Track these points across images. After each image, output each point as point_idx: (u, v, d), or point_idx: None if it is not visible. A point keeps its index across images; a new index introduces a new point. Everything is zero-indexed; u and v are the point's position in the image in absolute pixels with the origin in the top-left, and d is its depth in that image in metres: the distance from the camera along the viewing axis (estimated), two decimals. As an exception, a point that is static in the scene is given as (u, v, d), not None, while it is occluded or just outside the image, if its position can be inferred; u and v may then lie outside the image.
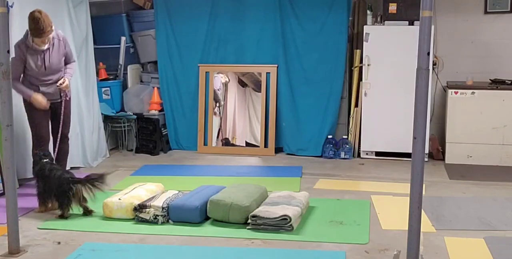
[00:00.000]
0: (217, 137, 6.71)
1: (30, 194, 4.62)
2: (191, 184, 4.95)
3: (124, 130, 6.70)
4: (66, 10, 5.72)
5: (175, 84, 6.77)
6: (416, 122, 3.07)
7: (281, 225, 3.97)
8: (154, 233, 4.01)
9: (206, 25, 6.60)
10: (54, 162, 4.64)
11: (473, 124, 5.96)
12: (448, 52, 6.44)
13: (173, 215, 4.19)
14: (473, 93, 5.95)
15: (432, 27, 3.19)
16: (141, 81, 7.03)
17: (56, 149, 4.83)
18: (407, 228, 3.19)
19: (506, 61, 6.34)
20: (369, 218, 4.29)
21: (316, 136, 6.42)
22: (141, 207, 4.20)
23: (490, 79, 6.16)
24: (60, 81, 4.76)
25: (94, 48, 6.27)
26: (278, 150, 6.60)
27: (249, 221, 4.07)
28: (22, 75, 4.72)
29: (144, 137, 6.64)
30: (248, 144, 6.62)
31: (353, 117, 6.35)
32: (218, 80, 6.69)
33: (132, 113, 6.65)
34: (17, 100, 4.92)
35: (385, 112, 6.13)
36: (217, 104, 6.71)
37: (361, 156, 6.31)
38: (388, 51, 6.03)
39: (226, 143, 6.68)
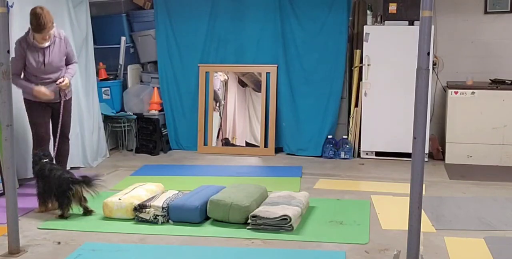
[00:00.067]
0: (217, 137, 6.71)
1: (30, 194, 4.62)
2: (191, 184, 4.95)
3: (124, 130, 6.71)
4: (66, 10, 5.72)
5: (175, 84, 6.77)
6: (416, 122, 3.07)
7: (281, 225, 3.97)
8: (154, 233, 4.01)
9: (206, 25, 6.60)
10: (54, 162, 4.64)
11: (473, 124, 5.96)
12: (448, 52, 6.44)
13: (173, 215, 4.19)
14: (473, 93, 5.96)
15: (432, 27, 3.19)
16: (141, 81, 7.03)
17: (55, 149, 4.82)
18: (407, 228, 3.19)
19: (506, 61, 6.34)
20: (369, 218, 4.29)
21: (316, 136, 6.42)
22: (141, 207, 4.20)
23: (490, 79, 6.16)
24: (60, 80, 4.75)
25: (94, 48, 6.27)
26: (278, 150, 6.60)
27: (249, 221, 4.07)
28: (22, 73, 4.72)
29: (144, 137, 6.64)
30: (248, 144, 6.62)
31: (353, 117, 6.35)
32: (218, 80, 6.69)
33: (132, 113, 6.65)
34: (18, 100, 4.93)
35: (385, 112, 6.13)
36: (217, 104, 6.71)
37: (361, 156, 6.31)
38: (388, 51, 6.03)
39: (226, 143, 6.68)
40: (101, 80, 6.60)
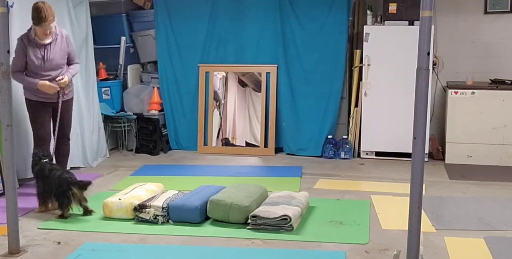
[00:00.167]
0: (217, 137, 6.71)
1: (30, 194, 4.62)
2: (191, 184, 4.95)
3: (124, 130, 6.71)
4: (66, 10, 5.72)
5: (175, 84, 6.77)
6: (416, 122, 3.07)
7: (281, 225, 3.97)
8: (154, 233, 4.01)
9: (206, 25, 6.60)
10: (53, 162, 4.64)
11: (473, 124, 5.96)
12: (448, 52, 6.44)
13: (173, 215, 4.19)
14: (473, 93, 5.96)
15: (432, 27, 3.19)
16: (141, 81, 7.03)
17: (54, 149, 4.81)
18: (407, 228, 3.19)
19: (506, 61, 6.34)
20: (369, 218, 4.29)
21: (316, 136, 6.42)
22: (141, 207, 4.20)
23: (490, 79, 6.16)
24: (59, 77, 4.74)
25: (94, 48, 6.27)
26: (278, 150, 6.60)
27: (249, 221, 4.07)
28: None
29: (144, 137, 6.64)
30: (248, 144, 6.62)
31: (353, 117, 6.35)
32: (217, 80, 6.69)
33: (132, 113, 6.65)
34: (19, 100, 4.93)
35: (385, 112, 6.13)
36: (217, 104, 6.71)
37: (361, 156, 6.31)
38: (388, 51, 6.03)
39: (226, 143, 6.68)
40: (101, 80, 6.60)
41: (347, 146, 6.31)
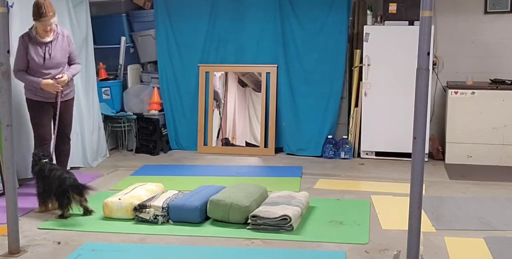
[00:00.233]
0: (217, 136, 6.71)
1: (30, 194, 4.62)
2: (191, 184, 4.95)
3: (124, 130, 6.71)
4: (66, 10, 5.72)
5: (175, 84, 6.77)
6: (416, 122, 3.07)
7: (281, 225, 3.97)
8: (154, 233, 4.01)
9: (206, 25, 6.60)
10: (54, 162, 4.64)
11: (473, 124, 5.96)
12: (448, 52, 6.44)
13: (173, 215, 4.19)
14: (473, 93, 5.96)
15: (432, 27, 3.19)
16: (141, 81, 7.03)
17: (53, 149, 4.80)
18: (407, 228, 3.19)
19: (506, 61, 6.34)
20: (369, 218, 4.29)
21: (316, 136, 6.42)
22: (141, 207, 4.20)
23: (490, 79, 6.16)
24: (59, 75, 4.73)
25: (94, 48, 6.27)
26: (278, 150, 6.60)
27: (249, 221, 4.07)
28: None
29: (144, 137, 6.64)
30: (248, 144, 6.62)
31: (353, 117, 6.35)
32: (217, 80, 6.69)
33: (132, 113, 6.65)
34: (20, 100, 4.93)
35: (385, 112, 6.13)
36: (217, 103, 6.72)
37: (361, 156, 6.31)
38: (388, 51, 6.03)
39: (226, 142, 6.68)
40: (101, 80, 6.60)
41: (347, 146, 6.31)
